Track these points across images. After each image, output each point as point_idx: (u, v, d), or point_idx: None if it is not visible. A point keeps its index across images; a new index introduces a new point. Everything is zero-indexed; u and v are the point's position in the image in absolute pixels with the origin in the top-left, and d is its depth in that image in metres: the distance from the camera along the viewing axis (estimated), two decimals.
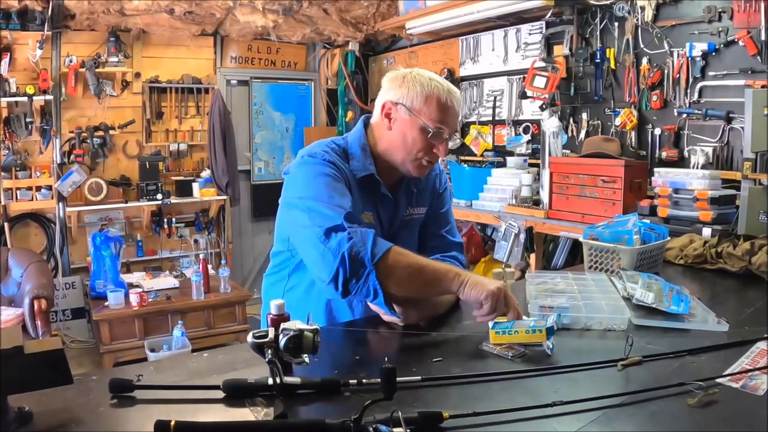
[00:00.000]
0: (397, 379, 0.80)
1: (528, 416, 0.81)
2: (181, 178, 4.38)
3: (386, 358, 0.81)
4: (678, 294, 1.29)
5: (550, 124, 2.94)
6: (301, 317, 0.95)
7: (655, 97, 2.80)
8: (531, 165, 3.29)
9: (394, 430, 0.74)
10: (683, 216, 2.28)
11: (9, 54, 3.70)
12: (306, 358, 0.89)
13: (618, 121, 2.95)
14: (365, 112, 4.33)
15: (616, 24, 2.96)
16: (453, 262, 1.42)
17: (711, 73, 2.60)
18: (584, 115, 3.16)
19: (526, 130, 3.53)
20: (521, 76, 3.43)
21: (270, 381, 0.85)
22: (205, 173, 4.44)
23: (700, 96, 2.65)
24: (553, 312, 1.19)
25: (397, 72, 1.33)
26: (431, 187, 1.47)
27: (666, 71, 2.77)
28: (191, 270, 3.85)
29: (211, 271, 3.85)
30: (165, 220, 4.31)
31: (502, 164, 3.47)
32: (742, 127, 2.37)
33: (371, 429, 0.74)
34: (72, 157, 3.99)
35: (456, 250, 1.46)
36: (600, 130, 3.10)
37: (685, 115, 2.70)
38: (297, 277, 1.35)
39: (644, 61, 2.84)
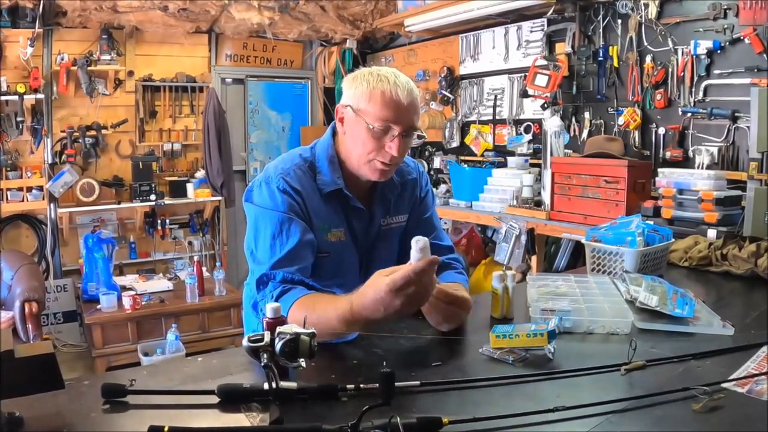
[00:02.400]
0: (396, 383, 0.80)
1: (529, 422, 0.80)
2: (175, 178, 4.35)
3: (384, 363, 0.84)
4: (682, 297, 1.28)
5: (552, 123, 2.91)
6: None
7: (659, 96, 2.77)
8: (532, 165, 3.26)
9: None
10: (688, 217, 2.25)
11: None
12: (302, 362, 0.88)
13: (621, 120, 2.92)
14: None
15: (620, 21, 2.94)
16: (459, 267, 1.40)
17: (716, 72, 2.57)
18: (587, 115, 3.13)
19: (527, 130, 3.50)
20: (522, 74, 3.41)
21: (266, 386, 0.84)
22: (200, 174, 4.40)
23: (705, 95, 2.63)
24: (555, 315, 1.17)
25: (353, 74, 1.27)
26: (410, 194, 1.41)
27: (670, 69, 2.74)
28: (185, 272, 3.83)
29: (206, 274, 3.82)
30: (158, 221, 4.28)
31: (503, 164, 3.44)
32: (748, 127, 2.34)
33: None
34: (63, 157, 3.95)
35: (448, 254, 1.42)
36: (603, 129, 3.07)
37: (689, 114, 2.67)
38: None
39: (648, 59, 2.81)
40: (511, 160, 3.35)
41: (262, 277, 1.19)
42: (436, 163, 4.00)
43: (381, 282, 0.99)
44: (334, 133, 1.33)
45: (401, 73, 1.25)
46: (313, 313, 1.06)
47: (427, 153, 4.20)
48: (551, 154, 2.85)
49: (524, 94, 3.26)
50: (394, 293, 0.97)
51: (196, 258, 3.97)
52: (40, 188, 3.87)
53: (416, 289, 0.98)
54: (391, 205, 1.37)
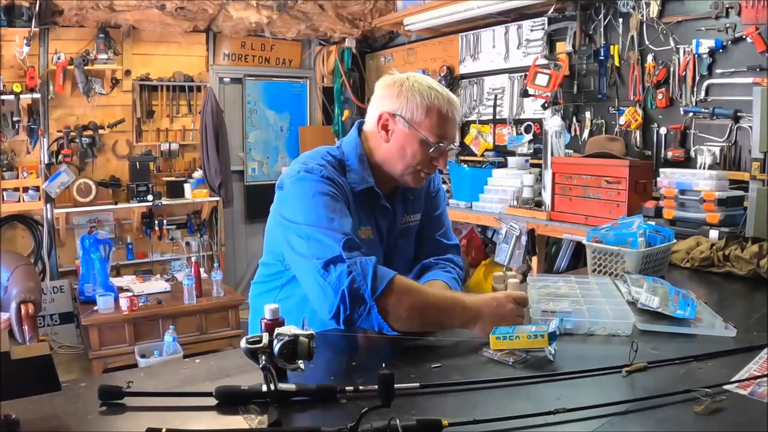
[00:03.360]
0: (395, 385, 0.79)
1: (530, 424, 0.80)
2: (173, 178, 4.32)
3: (383, 364, 0.81)
4: (684, 298, 1.28)
5: (553, 123, 2.89)
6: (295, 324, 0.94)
7: (660, 96, 2.75)
8: (533, 165, 3.25)
9: None
10: (689, 218, 2.23)
11: None
12: (301, 364, 0.88)
13: (622, 120, 2.90)
14: (362, 110, 4.27)
15: (621, 20, 2.91)
16: (448, 266, 1.41)
17: (718, 71, 2.55)
18: (588, 114, 3.11)
19: (527, 130, 3.47)
20: (523, 73, 3.39)
21: (264, 388, 0.84)
22: (197, 174, 4.37)
23: (706, 94, 2.61)
24: (556, 317, 1.16)
25: (394, 78, 1.26)
26: (425, 192, 1.43)
27: (672, 69, 2.71)
28: (183, 273, 3.82)
29: (204, 275, 3.80)
30: (156, 222, 4.25)
31: (503, 164, 3.43)
32: (750, 127, 2.32)
33: None
34: (60, 157, 3.92)
35: (452, 253, 1.43)
36: (604, 129, 3.04)
37: (691, 114, 2.65)
38: (290, 289, 1.29)
39: (649, 58, 2.79)
40: (511, 160, 3.34)
41: (350, 241, 1.10)
42: None
43: (499, 291, 1.15)
44: (360, 132, 1.32)
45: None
46: (428, 288, 1.14)
47: None
48: (552, 154, 2.84)
49: (525, 94, 3.24)
50: (510, 298, 1.12)
51: (193, 259, 3.93)
52: (37, 188, 3.84)
53: (523, 308, 1.13)
54: (409, 204, 1.39)
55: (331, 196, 1.18)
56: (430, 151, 1.22)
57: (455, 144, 1.33)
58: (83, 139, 3.93)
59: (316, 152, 1.30)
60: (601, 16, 2.99)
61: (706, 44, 2.54)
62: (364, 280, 1.06)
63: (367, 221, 1.29)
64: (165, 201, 4.20)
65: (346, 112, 4.75)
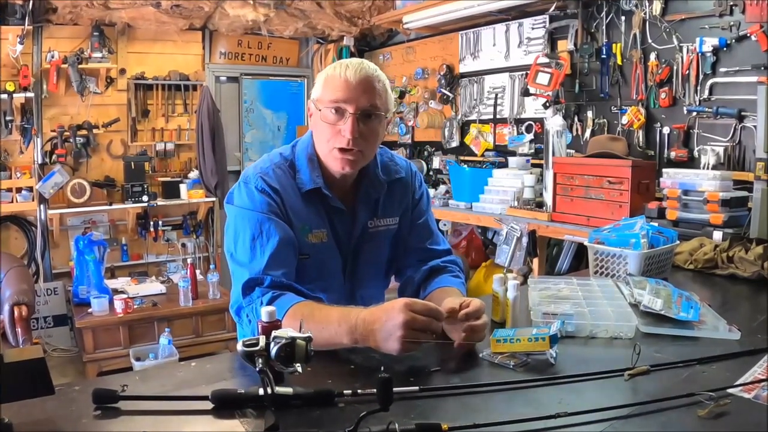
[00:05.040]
0: (394, 389, 0.79)
1: (530, 428, 0.79)
2: (168, 179, 4.30)
3: (382, 368, 0.81)
4: (687, 300, 1.27)
5: (554, 122, 2.87)
6: None
7: (663, 95, 2.72)
8: (534, 165, 3.22)
9: None
10: (693, 219, 2.21)
11: None
12: (298, 367, 0.88)
13: (625, 119, 2.87)
14: None
15: (623, 18, 2.89)
16: (455, 269, 1.37)
17: (722, 70, 2.52)
18: (589, 113, 3.08)
19: (528, 129, 3.44)
20: (524, 72, 3.36)
21: (261, 391, 0.83)
22: (193, 174, 4.35)
23: (710, 93, 2.58)
24: (557, 319, 1.15)
25: None
26: (400, 195, 1.36)
27: (675, 67, 2.69)
28: (178, 275, 3.79)
29: (200, 277, 3.79)
30: (151, 222, 4.23)
31: (504, 165, 3.41)
32: (755, 126, 2.30)
33: None
34: (54, 157, 3.90)
35: (447, 256, 1.39)
36: (606, 128, 3.02)
37: (694, 114, 2.62)
38: None
39: (652, 56, 2.76)
40: (512, 160, 3.31)
41: (249, 281, 1.15)
42: (436, 163, 3.95)
43: (402, 299, 1.00)
44: None
45: (366, 60, 1.23)
46: (311, 320, 1.03)
47: (426, 153, 4.15)
48: (553, 154, 2.82)
49: (525, 93, 3.20)
50: (405, 308, 0.97)
51: (189, 260, 3.91)
52: (30, 189, 3.81)
53: (425, 321, 0.98)
54: (378, 206, 1.32)
55: (259, 217, 1.18)
56: (326, 119, 1.17)
57: (384, 112, 1.21)
58: (77, 138, 3.91)
59: (269, 155, 1.30)
60: (603, 13, 2.97)
61: (710, 42, 2.51)
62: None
63: (320, 223, 1.25)
64: (160, 202, 4.18)
65: None
